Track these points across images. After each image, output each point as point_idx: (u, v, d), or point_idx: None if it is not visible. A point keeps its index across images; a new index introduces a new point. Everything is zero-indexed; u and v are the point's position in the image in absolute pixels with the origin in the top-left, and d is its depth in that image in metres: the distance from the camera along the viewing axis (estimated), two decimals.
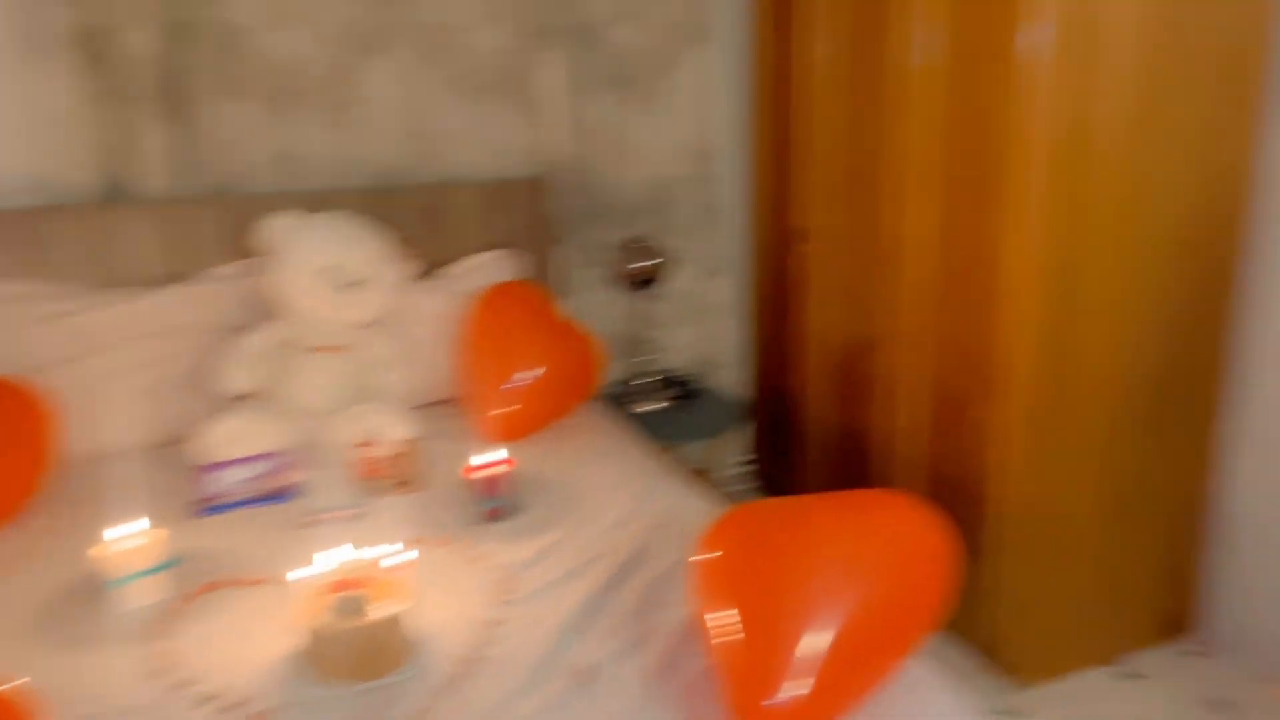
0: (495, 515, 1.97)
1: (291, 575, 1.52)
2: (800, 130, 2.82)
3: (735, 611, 1.31)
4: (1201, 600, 2.50)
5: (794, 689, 1.22)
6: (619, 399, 3.02)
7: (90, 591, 1.70)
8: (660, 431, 2.82)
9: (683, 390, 3.07)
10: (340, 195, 2.61)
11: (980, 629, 2.34)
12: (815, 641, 1.24)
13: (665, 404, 3.01)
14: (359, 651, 1.43)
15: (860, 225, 2.61)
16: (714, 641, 1.35)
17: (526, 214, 2.84)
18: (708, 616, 1.37)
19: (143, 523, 1.71)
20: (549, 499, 2.06)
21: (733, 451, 3.40)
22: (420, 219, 2.71)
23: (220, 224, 2.51)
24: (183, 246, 2.48)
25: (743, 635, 1.28)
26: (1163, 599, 2.46)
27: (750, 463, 3.48)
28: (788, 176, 2.92)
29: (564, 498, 2.07)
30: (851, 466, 2.84)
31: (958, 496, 2.37)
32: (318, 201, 2.56)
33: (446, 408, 2.59)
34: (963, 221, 2.24)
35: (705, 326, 3.22)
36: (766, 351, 3.26)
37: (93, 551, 1.66)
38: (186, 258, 2.49)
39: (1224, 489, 2.41)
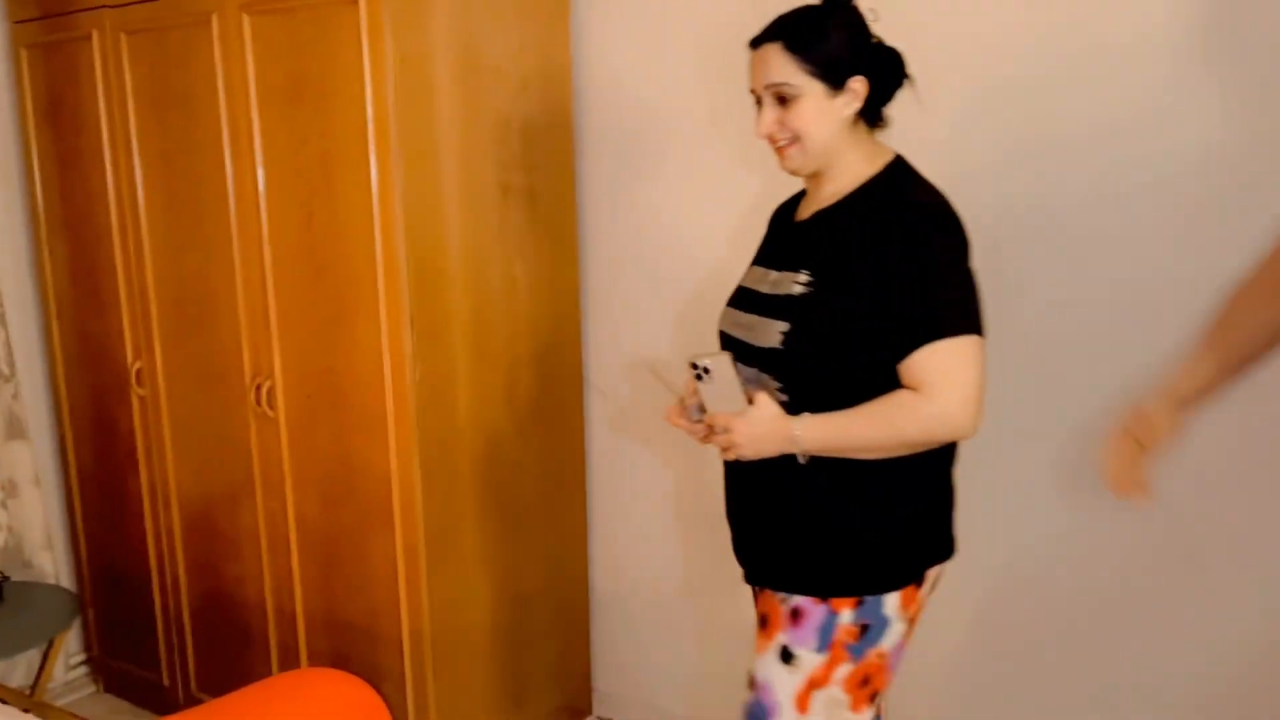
0: None
1: None
2: (124, 263, 2.47)
3: None
4: (595, 679, 2.69)
5: None
6: None
7: None
8: None
9: None
10: None
11: None
12: None
13: None
14: None
15: (209, 362, 2.36)
16: None
17: None
18: None
19: None
20: None
21: (65, 655, 2.77)
22: None
23: None
24: None
25: None
26: (563, 688, 2.59)
27: (89, 661, 2.87)
28: (108, 315, 2.53)
29: None
30: (230, 636, 2.50)
31: (365, 640, 2.23)
32: None
33: None
34: (329, 352, 2.15)
35: (6, 505, 2.59)
36: (98, 521, 2.74)
37: None
38: None
39: (595, 576, 2.65)
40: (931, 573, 1.53)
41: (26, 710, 2.29)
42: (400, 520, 2.12)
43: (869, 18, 1.48)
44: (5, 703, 2.25)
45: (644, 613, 2.60)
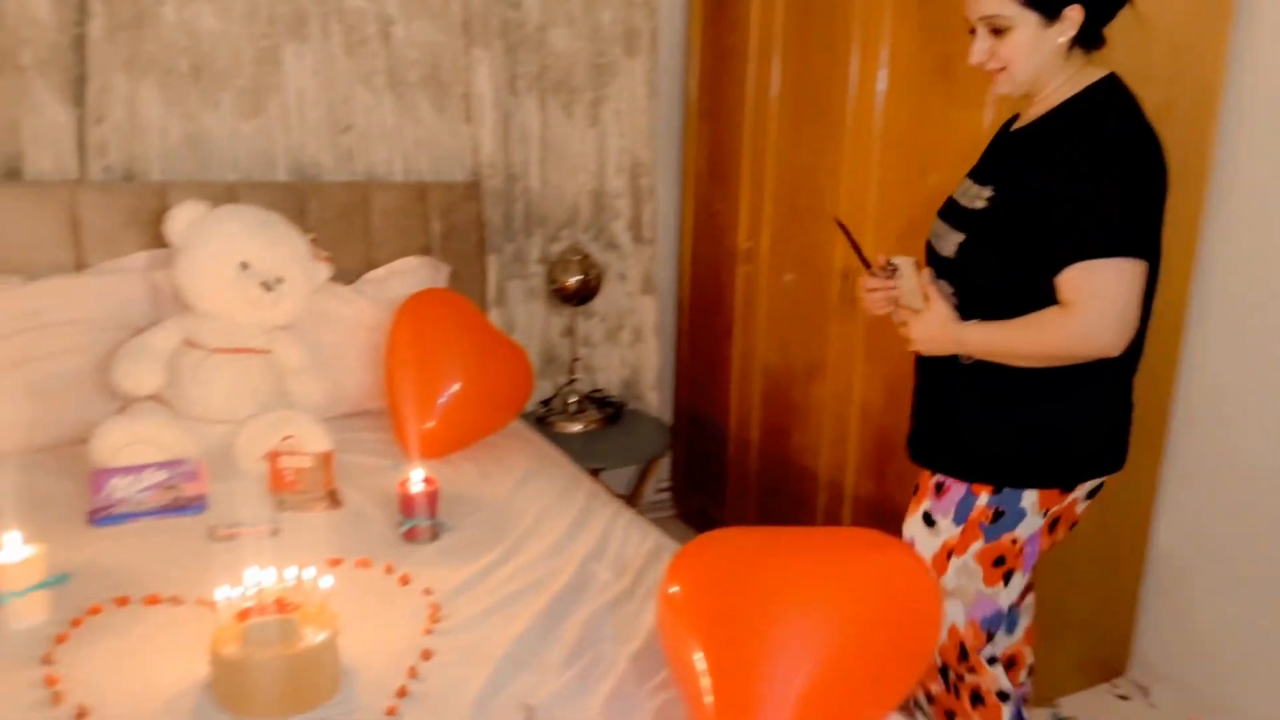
0: (416, 536, 1.85)
1: (216, 595, 1.38)
2: (747, 151, 2.79)
3: (709, 651, 1.23)
4: (1136, 641, 2.52)
5: None
6: (541, 419, 2.92)
7: None
8: (583, 454, 2.73)
9: (607, 412, 2.99)
10: (254, 188, 2.45)
11: None
12: (796, 686, 1.16)
13: (589, 426, 2.92)
14: (282, 683, 1.29)
15: (807, 250, 2.59)
16: (686, 682, 1.26)
17: (455, 219, 2.72)
18: (678, 654, 1.29)
19: (15, 535, 1.53)
20: (476, 521, 1.95)
21: (656, 478, 3.32)
22: (339, 219, 2.57)
23: (124, 211, 2.31)
24: (81, 234, 2.28)
25: (718, 677, 1.20)
26: (1097, 641, 2.47)
27: (671, 489, 3.41)
28: (730, 196, 2.88)
29: (492, 520, 1.96)
30: (781, 497, 2.80)
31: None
32: (230, 193, 2.39)
33: (360, 420, 2.44)
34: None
35: (632, 346, 3.15)
36: (693, 374, 3.21)
37: None
38: (86, 246, 2.29)
39: (1159, 530, 2.45)
40: (1087, 485, 1.62)
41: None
42: None
43: None
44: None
45: (1212, 586, 2.33)
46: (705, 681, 1.21)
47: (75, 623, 1.50)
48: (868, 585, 1.28)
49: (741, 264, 2.86)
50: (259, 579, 1.43)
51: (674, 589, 1.34)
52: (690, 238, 3.14)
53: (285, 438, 2.07)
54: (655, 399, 3.17)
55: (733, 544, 1.39)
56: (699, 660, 1.23)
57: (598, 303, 3.02)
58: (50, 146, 2.28)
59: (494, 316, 2.84)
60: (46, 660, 1.40)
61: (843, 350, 2.48)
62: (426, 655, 1.47)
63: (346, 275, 2.54)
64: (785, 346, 2.72)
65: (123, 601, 1.57)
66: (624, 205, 3.01)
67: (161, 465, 1.92)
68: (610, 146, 2.95)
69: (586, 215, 2.99)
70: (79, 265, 2.29)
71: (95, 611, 1.53)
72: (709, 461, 3.14)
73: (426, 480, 1.88)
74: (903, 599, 1.28)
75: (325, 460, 2.03)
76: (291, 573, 1.46)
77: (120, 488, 1.88)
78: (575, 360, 2.98)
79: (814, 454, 2.63)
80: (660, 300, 3.16)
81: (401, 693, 1.37)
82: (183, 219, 2.18)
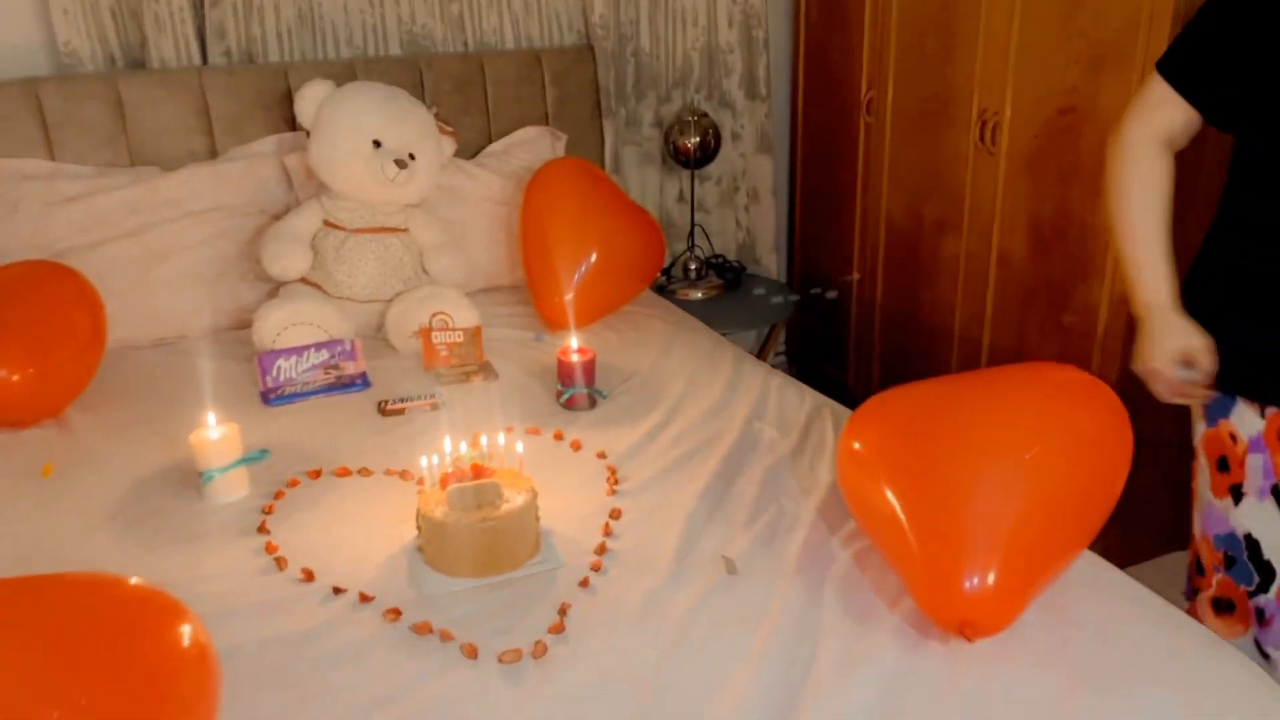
0: (576, 403, 1.88)
1: (421, 463, 1.43)
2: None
3: (905, 501, 1.23)
4: None
5: (980, 577, 1.15)
6: (661, 287, 2.91)
7: (175, 485, 1.59)
8: (707, 320, 2.71)
9: (726, 277, 2.96)
10: (370, 64, 2.41)
11: None
12: (1003, 526, 1.17)
13: (709, 292, 2.90)
14: (489, 544, 1.34)
15: (936, 96, 2.47)
16: (881, 535, 1.27)
17: (569, 86, 2.65)
18: (870, 508, 1.29)
19: (210, 416, 1.59)
20: (630, 387, 1.97)
21: (776, 342, 3.30)
22: (456, 91, 2.52)
23: (249, 94, 2.30)
24: (208, 120, 2.28)
25: (920, 524, 1.20)
26: None
27: (786, 353, 3.40)
28: (849, 43, 2.75)
29: (646, 385, 1.97)
30: (909, 356, 2.77)
31: None
32: (348, 71, 2.36)
33: (495, 295, 2.46)
34: (1068, 94, 2.11)
35: (748, 209, 3.08)
36: (813, 233, 3.14)
37: (191, 439, 1.54)
38: (217, 132, 2.29)
39: None
40: None
41: None
42: (1112, 273, 2.08)
43: None
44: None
45: None
46: (907, 529, 1.22)
47: (278, 495, 1.57)
48: (1060, 418, 1.26)
49: (863, 116, 2.76)
50: (455, 447, 1.46)
51: (857, 445, 1.33)
52: (804, 91, 3.02)
53: (434, 314, 2.09)
54: (773, 262, 3.13)
55: (912, 397, 1.37)
56: (896, 509, 1.23)
57: (712, 165, 2.95)
58: (170, 32, 2.26)
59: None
60: (261, 529, 1.47)
61: (979, 199, 2.39)
62: (616, 514, 1.50)
63: (466, 149, 2.52)
64: (913, 200, 2.64)
65: (315, 474, 1.63)
66: (736, 60, 2.90)
67: (321, 345, 1.97)
68: None
69: (698, 73, 2.89)
70: (212, 152, 2.30)
71: (293, 484, 1.60)
72: (829, 323, 3.11)
73: (580, 350, 1.89)
74: (1095, 427, 1.26)
75: (475, 334, 2.05)
76: (485, 440, 1.50)
77: (286, 369, 1.93)
78: (694, 226, 2.93)
79: (946, 310, 2.58)
80: (776, 159, 3.07)
81: (601, 549, 1.41)
82: (312, 100, 2.15)
